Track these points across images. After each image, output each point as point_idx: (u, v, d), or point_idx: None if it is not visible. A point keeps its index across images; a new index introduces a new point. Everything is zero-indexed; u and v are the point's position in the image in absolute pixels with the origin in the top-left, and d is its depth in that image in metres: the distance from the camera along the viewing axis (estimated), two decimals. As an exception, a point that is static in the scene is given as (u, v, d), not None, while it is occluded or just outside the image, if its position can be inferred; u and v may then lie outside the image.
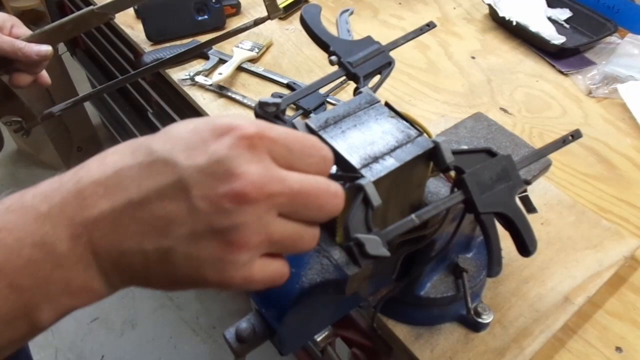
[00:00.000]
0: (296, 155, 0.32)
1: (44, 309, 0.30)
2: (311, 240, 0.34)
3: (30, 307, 0.30)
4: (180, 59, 0.94)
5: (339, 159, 0.43)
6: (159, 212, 0.29)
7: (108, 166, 0.31)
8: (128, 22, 1.10)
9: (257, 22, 0.84)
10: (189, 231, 0.29)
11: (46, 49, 0.67)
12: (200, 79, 0.94)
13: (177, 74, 0.97)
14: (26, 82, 0.70)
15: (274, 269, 0.33)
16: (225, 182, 0.29)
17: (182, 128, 0.32)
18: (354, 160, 0.41)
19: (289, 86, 0.95)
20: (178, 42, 1.02)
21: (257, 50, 1.00)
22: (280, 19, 1.12)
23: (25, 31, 0.70)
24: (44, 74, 0.73)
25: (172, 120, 1.15)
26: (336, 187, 0.33)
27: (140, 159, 0.31)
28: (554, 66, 1.05)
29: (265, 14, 0.86)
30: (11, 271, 0.29)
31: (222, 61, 0.98)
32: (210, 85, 0.93)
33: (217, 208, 0.29)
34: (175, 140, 0.31)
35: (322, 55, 0.57)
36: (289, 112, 0.88)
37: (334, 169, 0.43)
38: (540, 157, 0.50)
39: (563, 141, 0.50)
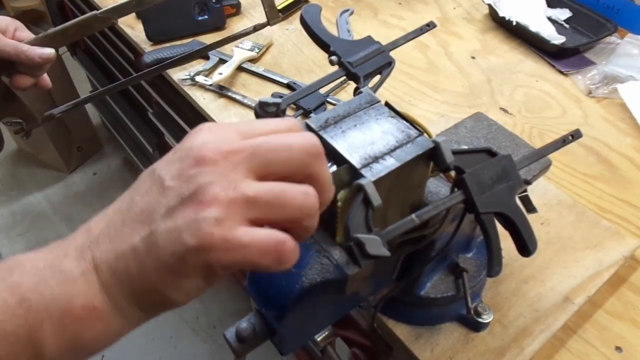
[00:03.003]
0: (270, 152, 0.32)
1: (47, 329, 0.31)
2: (300, 196, 0.31)
3: (34, 326, 0.31)
4: (181, 62, 0.94)
5: (339, 159, 0.43)
6: (141, 206, 0.32)
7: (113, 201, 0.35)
8: (128, 22, 1.10)
9: (257, 28, 0.84)
10: (165, 209, 0.31)
11: (49, 52, 0.68)
12: (200, 79, 0.94)
13: (178, 74, 0.97)
14: (27, 84, 0.70)
15: (266, 234, 0.31)
16: (186, 158, 0.32)
17: (172, 154, 0.35)
18: (354, 160, 0.41)
19: (289, 86, 0.95)
20: (178, 42, 1.02)
21: (257, 50, 1.01)
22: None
23: (28, 34, 0.70)
24: (45, 77, 0.73)
25: (172, 121, 1.15)
26: (298, 134, 0.33)
27: (132, 185, 0.34)
28: (554, 66, 1.05)
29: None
30: (23, 289, 0.31)
31: (222, 61, 0.98)
32: (211, 85, 0.93)
33: (183, 179, 0.31)
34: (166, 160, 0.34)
35: (322, 55, 0.57)
36: (289, 112, 0.88)
37: (333, 168, 0.43)
38: (540, 157, 0.50)
39: (563, 141, 0.50)
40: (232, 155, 0.31)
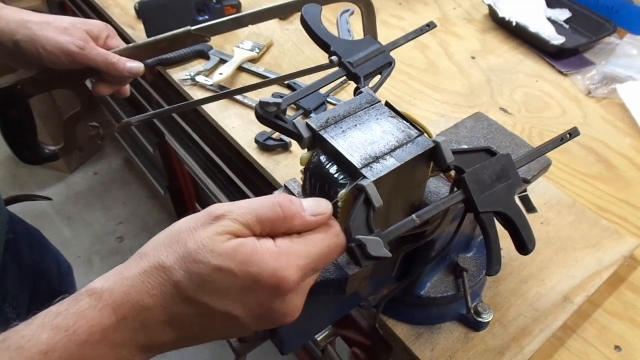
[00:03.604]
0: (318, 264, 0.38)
1: None
2: (336, 244, 0.39)
3: None
4: (181, 62, 0.95)
5: (340, 159, 0.43)
6: (219, 328, 0.37)
7: (168, 310, 0.36)
8: (129, 22, 1.10)
9: None
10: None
11: (138, 66, 0.68)
12: (200, 78, 0.94)
13: (178, 74, 0.97)
14: (108, 92, 0.71)
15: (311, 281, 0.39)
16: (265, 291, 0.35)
17: (225, 281, 0.36)
18: (355, 159, 0.42)
19: (289, 86, 0.96)
20: (178, 42, 1.02)
21: (257, 50, 1.01)
22: (281, 19, 1.12)
23: (118, 42, 0.70)
24: (126, 87, 0.74)
25: (173, 121, 1.16)
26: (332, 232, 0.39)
27: (199, 312, 0.36)
28: (553, 66, 1.05)
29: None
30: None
31: (222, 61, 0.99)
32: (211, 85, 0.93)
33: (267, 310, 0.36)
34: (226, 295, 0.36)
35: (322, 55, 0.57)
36: (290, 112, 0.88)
37: (334, 168, 0.43)
38: (538, 155, 0.50)
39: (561, 139, 0.51)
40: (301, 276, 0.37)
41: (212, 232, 0.34)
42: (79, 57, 0.64)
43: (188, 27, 0.69)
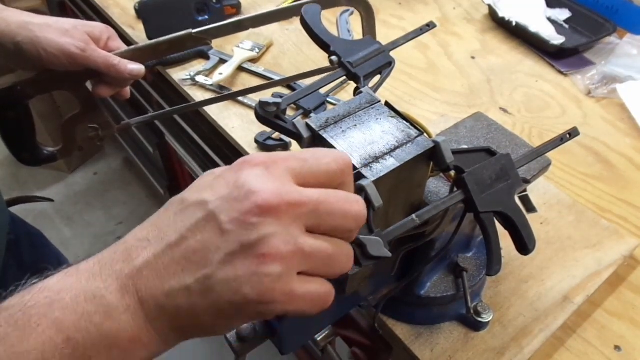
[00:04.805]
0: (310, 162, 0.34)
1: None
2: (346, 257, 0.34)
3: None
4: (181, 62, 0.95)
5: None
6: (195, 246, 0.31)
7: (148, 222, 0.34)
8: (129, 22, 1.10)
9: None
10: (223, 255, 0.31)
11: (139, 68, 0.68)
12: (200, 79, 0.94)
13: (178, 74, 0.97)
14: (109, 94, 0.71)
15: (317, 287, 0.33)
16: (246, 200, 0.31)
17: (208, 177, 0.34)
18: (355, 159, 0.42)
19: (289, 86, 0.96)
20: (178, 42, 1.02)
21: (257, 50, 1.01)
22: (281, 19, 1.12)
23: (119, 44, 0.70)
24: (126, 89, 0.74)
25: (173, 121, 1.16)
26: (354, 196, 0.35)
27: (175, 209, 0.34)
28: (553, 66, 1.05)
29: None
30: (67, 326, 0.30)
31: (222, 61, 0.99)
32: (211, 85, 0.93)
33: (244, 225, 0.31)
34: (201, 187, 0.34)
35: (322, 55, 0.57)
36: (290, 112, 0.88)
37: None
38: (538, 155, 0.50)
39: (561, 139, 0.51)
40: (294, 208, 0.31)
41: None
42: (80, 59, 0.64)
43: (189, 30, 0.69)
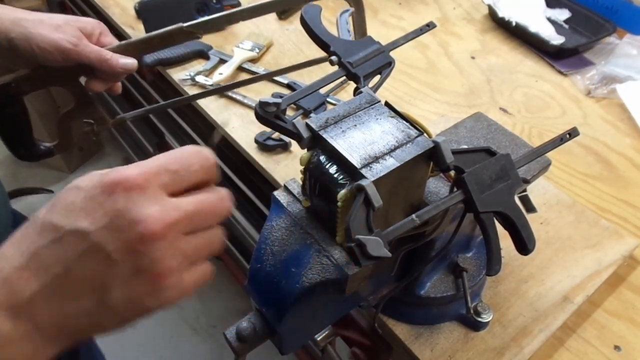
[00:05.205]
0: (181, 173, 0.35)
1: None
2: (219, 240, 0.38)
3: None
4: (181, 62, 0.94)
5: (340, 159, 0.43)
6: (86, 274, 0.33)
7: (24, 251, 0.33)
8: (129, 22, 1.10)
9: None
10: (119, 280, 0.33)
11: (131, 62, 0.68)
12: (200, 78, 0.94)
13: (178, 74, 0.97)
14: (101, 89, 0.71)
15: (200, 273, 0.37)
16: (131, 230, 0.32)
17: (74, 197, 0.34)
18: (355, 160, 0.42)
19: (289, 86, 0.96)
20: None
21: (257, 50, 1.01)
22: (281, 19, 1.12)
23: (112, 40, 0.70)
24: (118, 84, 0.74)
25: (173, 121, 1.16)
26: (221, 193, 0.37)
27: (51, 237, 0.33)
28: (553, 66, 1.05)
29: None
30: None
31: (222, 61, 0.99)
32: (211, 85, 0.93)
33: (133, 253, 0.32)
34: (71, 209, 0.34)
35: (322, 55, 0.57)
36: (290, 112, 0.88)
37: (333, 168, 0.43)
38: (538, 155, 0.50)
39: (560, 140, 0.51)
40: (176, 227, 0.34)
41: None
42: (72, 54, 0.64)
43: (180, 24, 0.69)
